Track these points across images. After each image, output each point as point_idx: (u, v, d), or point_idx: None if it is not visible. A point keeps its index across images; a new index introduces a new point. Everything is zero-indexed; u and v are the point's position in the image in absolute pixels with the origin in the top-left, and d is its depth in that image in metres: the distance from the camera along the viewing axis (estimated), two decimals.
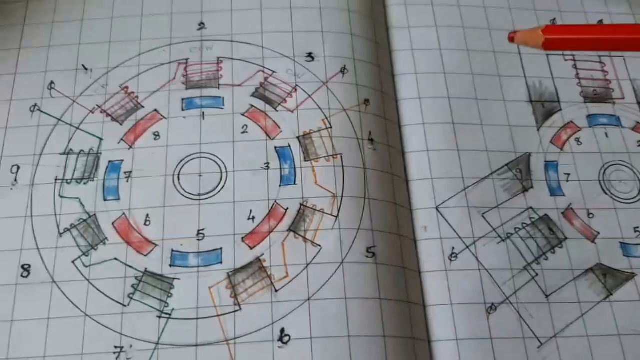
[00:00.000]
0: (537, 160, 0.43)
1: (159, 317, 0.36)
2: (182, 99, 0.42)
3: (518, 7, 0.49)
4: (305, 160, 0.40)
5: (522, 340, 0.38)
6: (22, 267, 0.37)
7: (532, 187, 0.42)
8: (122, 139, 0.41)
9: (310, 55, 0.44)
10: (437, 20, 0.47)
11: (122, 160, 0.40)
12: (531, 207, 0.42)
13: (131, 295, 0.37)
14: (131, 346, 0.36)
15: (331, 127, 0.41)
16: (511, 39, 0.35)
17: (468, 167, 0.42)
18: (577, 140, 0.44)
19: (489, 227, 0.41)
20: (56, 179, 0.40)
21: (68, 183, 0.40)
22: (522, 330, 0.38)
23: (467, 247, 0.40)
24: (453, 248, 0.40)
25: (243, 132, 0.41)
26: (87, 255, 0.38)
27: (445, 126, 0.43)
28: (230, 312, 0.36)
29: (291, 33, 0.44)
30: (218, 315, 0.36)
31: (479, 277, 0.39)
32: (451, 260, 0.39)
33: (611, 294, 0.39)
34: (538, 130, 0.44)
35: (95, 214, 0.39)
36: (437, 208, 0.41)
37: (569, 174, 0.43)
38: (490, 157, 0.43)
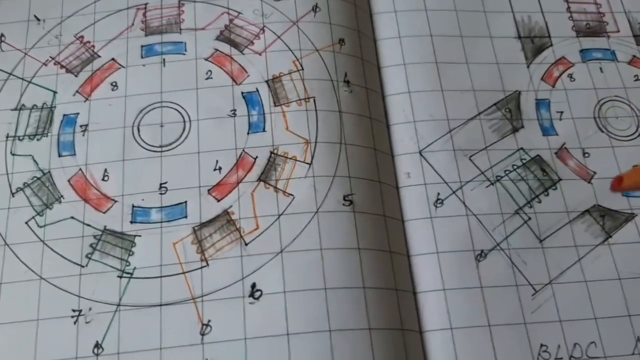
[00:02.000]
0: (527, 99, 0.40)
1: (120, 277, 0.33)
2: (142, 46, 0.39)
3: None
4: (275, 106, 0.37)
5: (514, 288, 0.35)
6: None
7: (522, 126, 0.39)
8: (77, 91, 0.38)
9: None
10: None
11: (78, 114, 0.37)
12: (522, 148, 0.39)
13: (90, 255, 0.34)
14: (90, 309, 0.33)
15: (303, 69, 0.38)
16: (617, 185, 0.32)
17: (453, 108, 0.39)
18: (570, 76, 0.41)
19: (476, 170, 0.38)
20: (7, 136, 0.37)
21: (20, 140, 0.37)
22: (515, 277, 0.35)
23: (454, 192, 0.37)
24: (438, 194, 0.37)
25: (207, 79, 0.38)
26: (41, 215, 0.35)
27: (427, 66, 0.40)
28: (197, 269, 0.33)
29: None
30: (184, 273, 0.33)
31: (466, 223, 0.36)
32: (436, 207, 0.36)
33: (610, 236, 0.36)
34: (528, 67, 0.41)
35: (49, 171, 0.36)
36: (420, 152, 0.38)
37: (561, 112, 0.40)
38: (477, 96, 0.40)
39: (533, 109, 0.40)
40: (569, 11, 0.44)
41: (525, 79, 0.41)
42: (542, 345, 0.34)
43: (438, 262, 0.35)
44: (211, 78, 0.38)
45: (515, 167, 0.38)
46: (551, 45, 0.42)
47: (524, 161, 0.38)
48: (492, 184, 0.37)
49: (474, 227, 0.36)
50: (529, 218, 0.37)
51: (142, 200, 0.35)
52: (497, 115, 0.39)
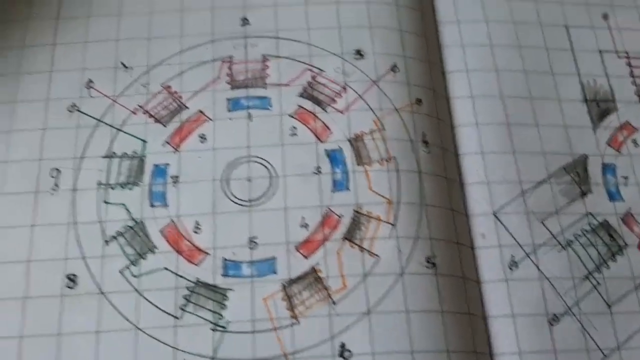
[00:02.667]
0: (594, 163, 0.42)
1: (214, 330, 0.35)
2: (228, 99, 0.40)
3: (569, 1, 0.47)
4: (358, 164, 0.39)
5: (585, 352, 0.37)
6: (68, 277, 0.36)
7: (590, 191, 0.41)
8: (166, 142, 0.39)
9: (359, 52, 0.42)
10: (487, 14, 0.45)
11: (168, 164, 0.38)
12: (590, 213, 0.40)
13: (183, 307, 0.35)
14: None
15: (384, 129, 0.39)
16: None
17: (524, 170, 0.41)
18: (634, 142, 0.43)
19: (548, 233, 0.39)
20: (99, 184, 0.38)
21: (112, 188, 0.38)
22: (586, 342, 0.37)
23: (528, 255, 0.38)
24: (513, 256, 0.38)
25: (292, 135, 0.39)
26: (135, 265, 0.36)
27: (499, 127, 0.42)
28: (288, 326, 0.35)
29: (338, 29, 0.42)
30: (275, 329, 0.35)
31: (540, 287, 0.38)
32: (511, 269, 0.38)
33: None
34: (594, 131, 0.43)
35: (142, 221, 0.37)
36: (494, 214, 0.39)
37: (627, 177, 0.42)
38: (547, 159, 0.41)
39: (600, 174, 0.41)
40: (632, 75, 0.45)
41: (592, 143, 0.42)
42: None
43: (514, 325, 0.37)
44: (296, 134, 0.39)
45: (584, 232, 0.39)
46: (616, 109, 0.44)
47: (593, 226, 0.40)
48: (564, 248, 0.39)
49: (547, 291, 0.38)
50: (598, 283, 0.38)
51: (233, 254, 0.36)
52: (566, 179, 0.41)
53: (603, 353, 0.37)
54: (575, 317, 0.37)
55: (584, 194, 0.41)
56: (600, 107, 0.44)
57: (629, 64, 0.46)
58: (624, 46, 0.46)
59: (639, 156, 0.42)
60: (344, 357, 0.34)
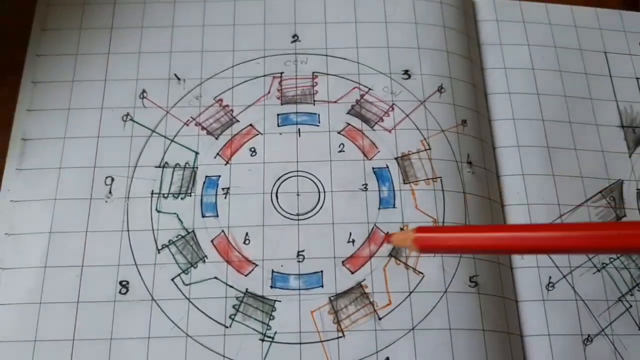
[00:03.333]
0: (629, 188, 0.43)
1: (262, 340, 0.36)
2: (278, 115, 0.42)
3: (608, 27, 0.48)
4: (405, 183, 0.40)
5: None
6: (120, 283, 0.37)
7: (624, 215, 0.42)
8: (218, 154, 0.40)
9: (406, 72, 0.43)
10: (529, 38, 0.47)
11: (219, 176, 0.40)
12: None
13: (232, 316, 0.36)
14: None
15: (430, 149, 0.40)
16: (387, 241, 0.36)
17: (563, 193, 0.42)
18: None
19: (584, 256, 0.40)
20: (152, 193, 0.39)
21: (165, 197, 0.39)
22: None
23: (564, 277, 0.40)
24: (550, 277, 0.40)
25: (340, 151, 0.40)
26: (186, 273, 0.37)
27: (539, 149, 0.43)
28: (334, 339, 0.36)
29: (387, 49, 0.44)
30: (321, 341, 0.36)
31: (575, 308, 0.39)
32: (548, 290, 0.39)
33: None
34: (630, 156, 0.44)
35: (193, 231, 0.38)
36: None
37: None
38: (585, 183, 0.42)
39: (634, 199, 0.43)
40: None
41: (628, 168, 0.44)
42: None
43: (549, 344, 0.38)
44: (344, 151, 0.40)
45: (618, 255, 0.41)
46: None
47: None
48: (599, 270, 0.40)
49: (582, 312, 0.39)
50: (631, 305, 0.39)
51: (282, 266, 0.38)
52: (603, 202, 0.42)
53: None
54: (608, 338, 0.38)
55: (619, 218, 0.42)
56: (636, 133, 0.45)
57: None
58: None
59: None
60: None
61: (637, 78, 0.47)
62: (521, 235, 0.27)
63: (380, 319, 0.36)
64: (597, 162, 0.43)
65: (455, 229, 0.35)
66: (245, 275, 0.37)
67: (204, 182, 0.40)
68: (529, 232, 0.27)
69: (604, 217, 0.41)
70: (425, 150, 0.41)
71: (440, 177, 0.40)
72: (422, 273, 0.37)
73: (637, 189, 0.43)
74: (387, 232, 0.36)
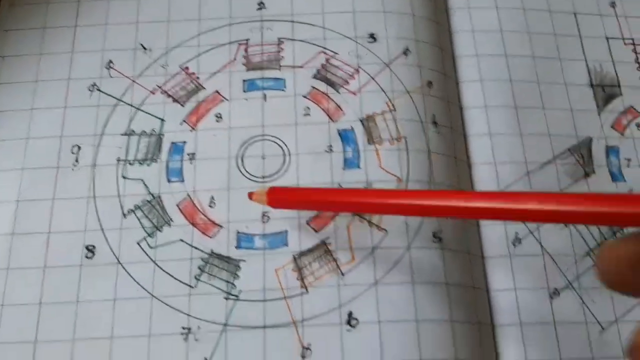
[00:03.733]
0: (598, 145, 0.43)
1: (226, 298, 0.36)
2: (244, 81, 0.42)
3: None
4: (369, 144, 0.40)
5: (584, 324, 0.38)
6: (87, 247, 0.38)
7: (593, 172, 0.42)
8: (184, 121, 0.41)
9: (372, 36, 0.43)
10: (497, 1, 0.47)
11: (185, 142, 0.40)
12: None
13: (198, 277, 0.37)
14: (199, 327, 0.36)
15: (395, 110, 0.41)
16: (249, 197, 0.38)
17: (531, 152, 0.42)
18: (638, 125, 0.44)
19: None
20: (118, 160, 0.40)
21: (131, 164, 0.39)
22: (585, 315, 0.38)
23: (531, 233, 0.39)
24: (517, 233, 0.39)
25: (305, 115, 0.41)
26: (152, 237, 0.38)
27: (507, 109, 0.43)
28: (297, 295, 0.36)
29: (352, 13, 0.44)
30: (285, 298, 0.36)
31: (542, 263, 0.39)
32: (515, 245, 0.39)
33: None
34: (599, 114, 0.44)
35: (159, 195, 0.39)
36: None
37: (629, 159, 0.43)
38: (553, 141, 0.42)
39: (603, 156, 0.43)
40: (637, 62, 0.46)
41: (597, 126, 0.43)
42: None
43: (516, 298, 0.38)
44: (309, 115, 0.41)
45: None
46: (621, 94, 0.45)
47: None
48: (566, 226, 0.40)
49: (549, 266, 0.39)
50: None
51: (246, 227, 0.38)
52: (571, 160, 0.42)
53: (601, 326, 0.38)
54: (575, 291, 0.38)
55: (587, 175, 0.42)
56: (605, 91, 0.45)
57: (635, 51, 0.47)
58: (631, 33, 0.47)
59: None
60: (351, 325, 0.35)
61: (607, 38, 0.47)
62: (357, 200, 0.34)
63: (343, 274, 0.37)
64: (565, 120, 0.43)
65: (301, 191, 0.38)
66: (211, 237, 0.38)
67: (170, 149, 0.40)
68: (367, 198, 0.33)
69: (572, 174, 0.42)
70: (390, 111, 0.41)
71: (404, 137, 0.40)
72: (385, 230, 0.37)
73: (606, 146, 0.43)
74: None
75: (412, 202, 0.31)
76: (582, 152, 0.42)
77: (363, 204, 0.34)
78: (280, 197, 0.36)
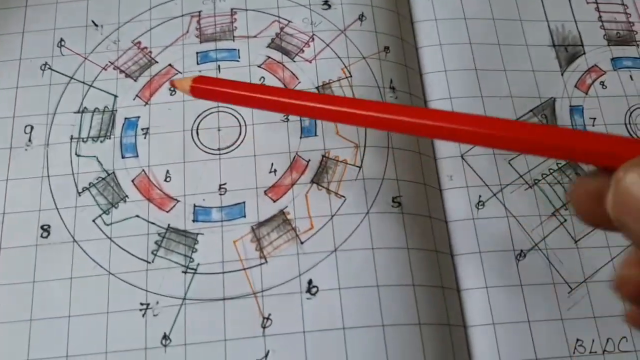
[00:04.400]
0: (562, 105, 0.42)
1: (185, 272, 0.36)
2: (197, 53, 0.41)
3: None
4: None
5: (552, 286, 0.37)
6: (42, 227, 0.37)
7: None
8: (137, 95, 0.40)
9: (326, 2, 0.42)
10: None
11: (139, 117, 0.39)
12: None
13: (155, 252, 0.36)
14: (157, 302, 0.35)
15: (351, 76, 0.40)
16: (171, 85, 0.38)
17: (492, 114, 0.41)
18: (602, 84, 0.43)
19: (515, 173, 0.40)
20: (72, 138, 0.39)
21: (84, 141, 0.39)
22: (552, 276, 0.38)
23: (494, 195, 0.39)
24: (480, 196, 0.39)
25: (261, 84, 0.40)
26: (107, 214, 0.37)
27: (467, 73, 0.42)
28: (257, 265, 0.36)
29: None
30: (244, 269, 0.36)
31: (507, 225, 0.38)
32: (478, 209, 0.39)
33: None
34: (562, 74, 0.43)
35: (114, 172, 0.38)
36: (462, 156, 0.40)
37: (594, 119, 0.42)
38: (515, 103, 0.42)
39: (567, 115, 0.42)
40: (601, 20, 0.45)
41: (560, 86, 0.43)
42: (577, 339, 0.36)
43: (480, 261, 0.37)
44: (264, 84, 0.40)
45: (551, 171, 0.40)
46: (584, 53, 0.44)
47: (560, 165, 0.40)
48: (530, 187, 0.39)
49: (514, 228, 0.38)
50: (565, 220, 0.39)
51: (203, 200, 0.37)
52: (534, 120, 0.41)
53: (570, 286, 0.37)
54: (542, 252, 0.38)
55: None
56: (568, 51, 0.44)
57: (597, 9, 0.46)
58: None
59: (605, 98, 0.43)
60: (311, 293, 0.35)
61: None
62: (284, 101, 0.31)
63: (302, 243, 0.36)
64: (527, 81, 0.43)
65: (231, 84, 0.34)
66: (167, 212, 0.37)
67: (123, 124, 0.39)
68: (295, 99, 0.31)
69: None
70: (346, 77, 0.40)
71: None
72: (343, 196, 0.37)
73: (570, 106, 0.42)
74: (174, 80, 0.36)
75: (329, 107, 0.30)
76: (546, 112, 0.42)
77: (285, 104, 0.32)
78: (206, 86, 0.34)
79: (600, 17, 0.46)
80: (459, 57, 0.42)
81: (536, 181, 0.39)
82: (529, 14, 0.45)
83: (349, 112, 0.28)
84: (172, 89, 0.40)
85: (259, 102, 0.32)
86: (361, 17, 0.42)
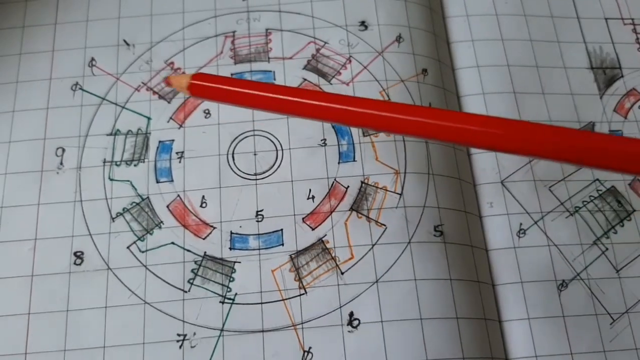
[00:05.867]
0: (601, 130, 0.42)
1: (222, 302, 0.35)
2: (232, 74, 0.40)
3: None
4: (364, 136, 0.38)
5: (594, 317, 0.37)
6: (75, 254, 0.36)
7: None
8: (171, 118, 0.39)
9: (363, 23, 0.41)
10: None
11: (173, 140, 0.38)
12: (598, 179, 0.40)
13: (191, 281, 0.35)
14: (195, 333, 0.34)
15: (389, 99, 0.39)
16: (166, 83, 0.36)
17: None
18: None
19: (556, 201, 0.39)
20: (104, 161, 0.38)
21: (117, 165, 0.38)
22: (594, 306, 0.37)
23: (535, 223, 0.38)
24: (521, 224, 0.38)
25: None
26: (142, 240, 0.36)
27: (505, 95, 0.41)
28: (296, 296, 0.35)
29: (342, 0, 0.42)
30: (283, 300, 0.35)
31: (548, 253, 0.38)
32: (519, 237, 0.38)
33: None
34: (600, 98, 0.42)
35: (148, 197, 0.37)
36: (502, 182, 0.39)
37: None
38: None
39: None
40: (638, 42, 0.45)
41: (599, 110, 0.42)
42: None
43: (522, 292, 0.37)
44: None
45: (592, 198, 0.39)
46: (622, 76, 0.43)
47: (600, 192, 0.39)
48: (572, 214, 0.39)
49: (555, 257, 0.37)
50: (606, 248, 0.38)
51: (240, 227, 0.36)
52: None
53: (612, 317, 0.37)
54: (584, 282, 0.37)
55: None
56: (606, 74, 0.43)
57: (635, 31, 0.45)
58: (630, 13, 0.45)
59: None
60: (352, 326, 0.34)
61: (605, 18, 0.45)
62: (288, 99, 0.29)
63: (342, 273, 0.35)
64: (566, 105, 0.42)
65: (238, 82, 0.32)
66: (203, 239, 0.36)
67: (157, 147, 0.38)
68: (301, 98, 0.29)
69: None
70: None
71: None
72: (384, 225, 0.36)
73: (610, 131, 0.41)
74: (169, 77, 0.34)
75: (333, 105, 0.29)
76: None
77: (295, 103, 0.30)
78: (208, 84, 0.31)
79: (637, 39, 0.45)
80: (496, 79, 0.42)
81: (577, 208, 0.39)
82: (566, 35, 0.44)
83: (360, 112, 0.28)
84: (207, 111, 0.39)
85: (269, 102, 0.30)
86: (398, 39, 0.41)
